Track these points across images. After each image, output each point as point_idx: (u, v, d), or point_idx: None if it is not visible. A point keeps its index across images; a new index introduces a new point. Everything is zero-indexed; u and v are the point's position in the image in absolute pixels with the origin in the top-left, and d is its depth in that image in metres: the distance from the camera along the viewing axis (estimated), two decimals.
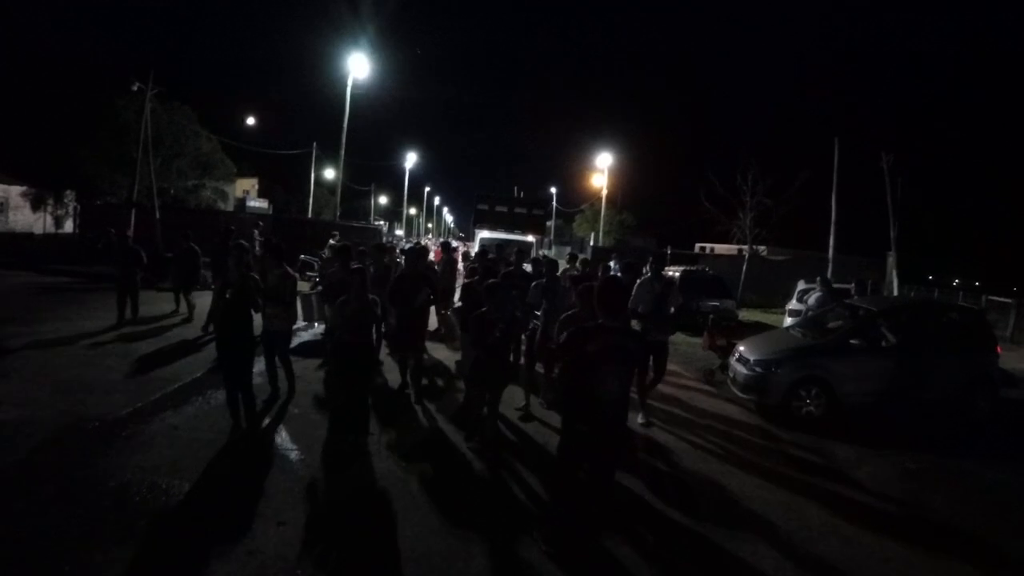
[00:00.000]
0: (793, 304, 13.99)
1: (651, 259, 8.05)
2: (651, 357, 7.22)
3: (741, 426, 7.56)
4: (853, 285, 10.49)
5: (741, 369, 8.16)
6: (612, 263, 15.20)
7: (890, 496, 5.78)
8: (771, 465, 6.32)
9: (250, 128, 38.18)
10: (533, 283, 7.66)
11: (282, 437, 5.95)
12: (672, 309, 7.37)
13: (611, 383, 3.85)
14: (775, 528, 4.87)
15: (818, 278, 11.56)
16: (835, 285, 11.69)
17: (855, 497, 5.68)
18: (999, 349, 8.76)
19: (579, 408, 3.98)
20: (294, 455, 5.56)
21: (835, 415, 7.70)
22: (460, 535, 4.34)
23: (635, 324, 7.25)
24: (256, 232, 17.73)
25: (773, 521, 4.98)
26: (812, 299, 10.70)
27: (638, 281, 7.53)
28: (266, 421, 6.33)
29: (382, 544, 4.19)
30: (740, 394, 8.22)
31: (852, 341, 8.03)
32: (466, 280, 9.17)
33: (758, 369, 7.89)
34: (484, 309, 5.70)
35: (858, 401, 7.80)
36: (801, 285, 14.63)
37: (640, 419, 7.08)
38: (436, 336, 10.68)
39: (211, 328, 9.78)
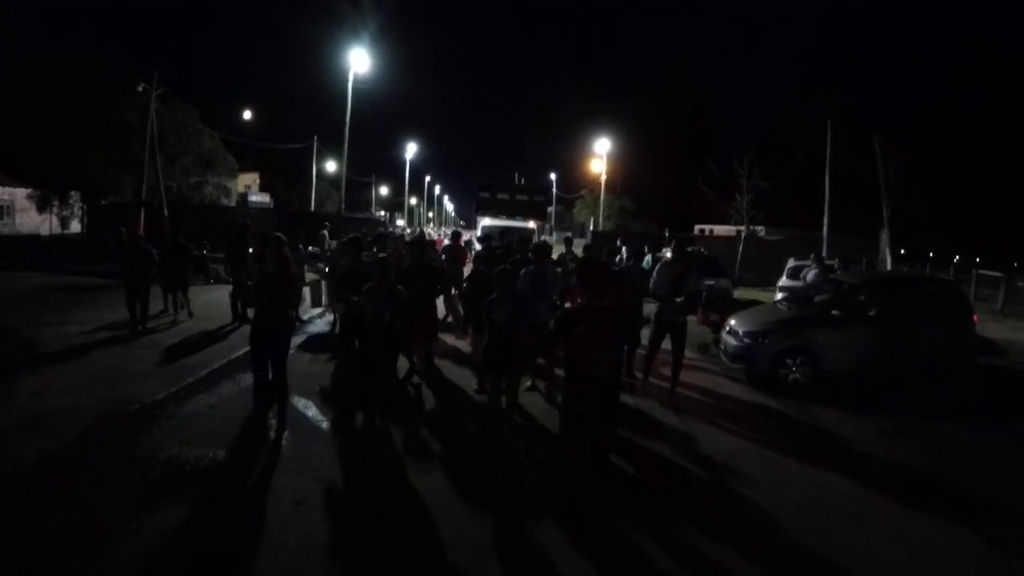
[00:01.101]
0: (784, 281, 14.52)
1: (673, 243, 8.37)
2: (669, 337, 7.51)
3: (731, 393, 8.10)
4: (837, 261, 11.02)
5: (731, 340, 8.71)
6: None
7: (867, 451, 6.32)
8: (757, 426, 6.88)
9: (249, 123, 38.46)
10: (522, 271, 7.39)
11: (313, 412, 6.51)
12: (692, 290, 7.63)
13: (602, 363, 3.94)
14: (757, 479, 5.38)
15: (812, 255, 12.10)
16: (827, 262, 12.22)
17: (834, 452, 6.22)
18: (975, 318, 9.26)
19: (576, 391, 4.10)
20: (324, 426, 6.16)
21: (819, 382, 8.23)
22: (470, 487, 4.90)
23: (653, 305, 7.62)
24: (325, 232, 18.34)
25: (756, 474, 5.50)
26: (810, 276, 11.26)
27: (658, 264, 7.83)
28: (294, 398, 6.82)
29: (410, 496, 4.74)
30: (731, 364, 8.79)
31: (833, 312, 8.57)
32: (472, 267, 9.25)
33: (747, 340, 8.44)
34: (493, 296, 5.83)
35: (840, 368, 8.34)
36: (791, 263, 15.15)
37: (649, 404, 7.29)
38: (443, 325, 10.65)
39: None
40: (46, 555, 3.78)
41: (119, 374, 7.54)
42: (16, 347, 8.63)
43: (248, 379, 7.05)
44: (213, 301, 11.65)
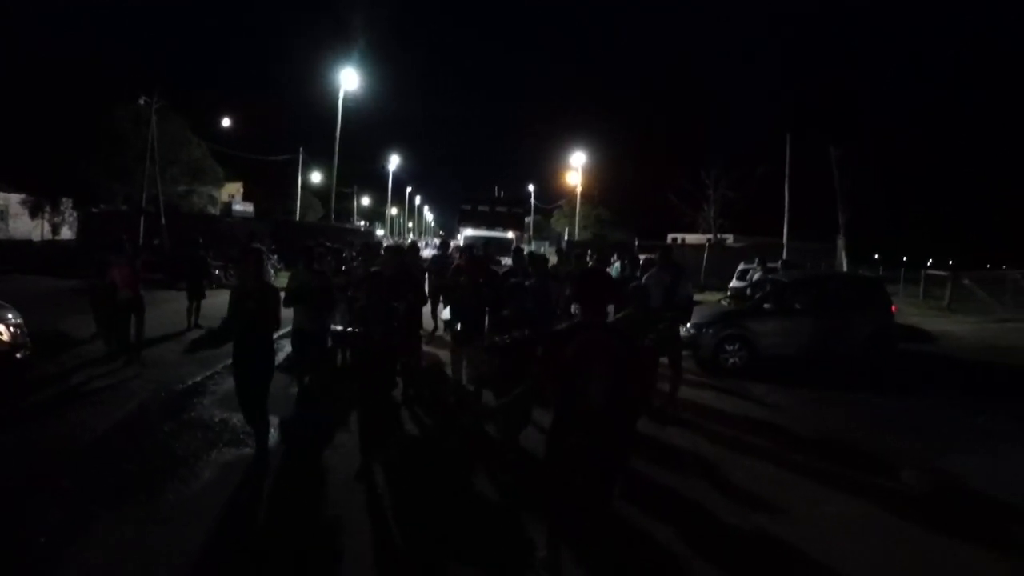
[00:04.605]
0: (734, 283, 16.13)
1: (660, 251, 8.35)
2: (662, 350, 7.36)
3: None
4: (780, 264, 12.60)
5: (680, 331, 10.13)
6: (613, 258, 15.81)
7: (788, 415, 7.71)
8: (698, 398, 8.25)
9: (231, 132, 38.98)
10: (523, 282, 6.87)
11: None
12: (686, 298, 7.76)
13: (596, 389, 3.33)
14: (691, 437, 6.69)
15: (756, 259, 13.67)
16: (769, 265, 13.80)
17: (760, 416, 7.61)
18: (894, 308, 10.84)
19: (566, 420, 3.49)
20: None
21: (756, 364, 9.71)
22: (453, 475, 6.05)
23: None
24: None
25: (690, 437, 6.72)
26: (755, 277, 12.83)
27: (647, 274, 8.03)
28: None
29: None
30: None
31: (765, 306, 10.11)
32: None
33: (693, 330, 9.89)
34: (506, 312, 5.69)
35: (773, 352, 9.86)
36: (741, 266, 16.79)
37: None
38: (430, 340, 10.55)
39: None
40: (146, 480, 5.06)
41: (155, 361, 8.71)
42: (55, 339, 9.61)
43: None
44: (221, 303, 12.60)
